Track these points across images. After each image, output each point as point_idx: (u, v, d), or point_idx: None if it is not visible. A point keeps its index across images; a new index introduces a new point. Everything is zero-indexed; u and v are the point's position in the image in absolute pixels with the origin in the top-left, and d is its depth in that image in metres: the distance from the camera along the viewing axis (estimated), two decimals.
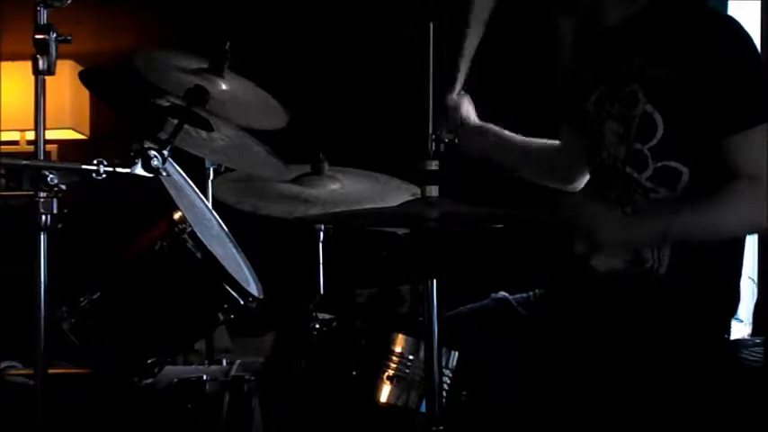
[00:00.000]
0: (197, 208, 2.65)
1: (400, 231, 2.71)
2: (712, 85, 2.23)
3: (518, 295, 2.48)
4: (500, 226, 2.19)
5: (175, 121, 2.19)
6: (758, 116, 2.24)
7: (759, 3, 3.97)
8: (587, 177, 2.57)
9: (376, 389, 2.05)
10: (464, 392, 2.08)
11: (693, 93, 2.24)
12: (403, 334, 2.07)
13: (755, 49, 2.31)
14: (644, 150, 2.30)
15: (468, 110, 2.53)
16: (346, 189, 2.80)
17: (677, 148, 2.27)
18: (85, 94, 4.38)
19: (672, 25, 2.30)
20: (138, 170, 2.06)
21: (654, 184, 2.29)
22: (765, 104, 2.25)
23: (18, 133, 4.53)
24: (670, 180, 2.28)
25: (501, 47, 2.61)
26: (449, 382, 2.06)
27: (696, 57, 2.24)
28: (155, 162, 2.07)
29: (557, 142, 2.62)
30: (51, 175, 2.01)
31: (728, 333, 2.39)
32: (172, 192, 2.35)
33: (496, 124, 2.59)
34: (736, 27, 2.31)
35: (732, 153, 2.23)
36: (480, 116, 2.56)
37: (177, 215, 2.29)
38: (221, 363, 2.74)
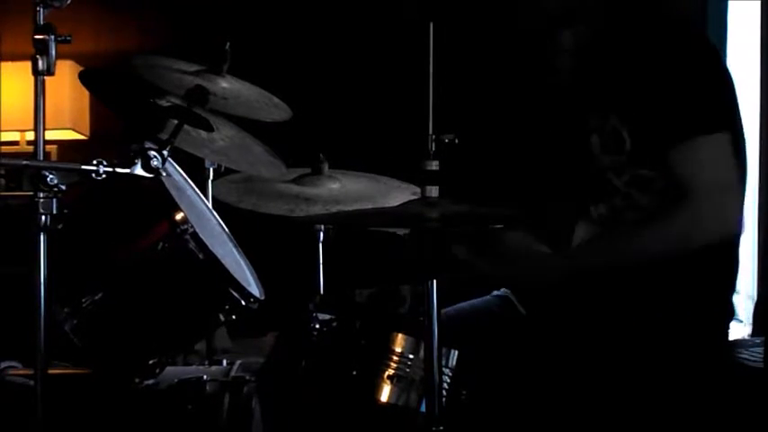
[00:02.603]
0: (197, 208, 2.65)
1: (400, 231, 2.71)
2: (661, 95, 2.25)
3: None
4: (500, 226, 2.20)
5: (175, 121, 2.19)
6: (699, 127, 2.24)
7: (759, 3, 3.98)
8: None
9: (376, 389, 2.05)
10: (464, 392, 2.08)
11: (648, 105, 2.26)
12: (403, 334, 2.07)
13: (710, 59, 2.33)
14: (620, 160, 2.33)
15: None
16: (347, 188, 2.80)
17: (644, 158, 2.30)
18: (85, 94, 4.37)
19: (630, 39, 2.33)
20: (138, 170, 2.06)
21: (630, 189, 2.32)
22: (714, 115, 2.26)
23: (18, 133, 4.53)
24: (643, 186, 2.31)
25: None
26: (449, 381, 2.06)
27: (649, 69, 2.28)
28: (155, 162, 2.07)
29: None
30: (51, 175, 2.01)
31: (727, 333, 2.40)
32: (172, 192, 2.35)
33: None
34: (688, 37, 2.33)
35: (672, 165, 2.25)
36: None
37: (179, 216, 2.29)
38: (221, 363, 2.74)
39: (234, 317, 2.39)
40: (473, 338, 2.22)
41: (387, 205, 2.70)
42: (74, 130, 4.54)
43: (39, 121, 2.06)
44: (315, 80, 4.36)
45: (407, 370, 2.04)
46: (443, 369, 2.03)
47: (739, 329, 2.69)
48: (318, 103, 4.08)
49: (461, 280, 2.25)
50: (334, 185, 2.79)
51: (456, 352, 2.09)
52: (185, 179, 2.67)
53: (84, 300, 2.29)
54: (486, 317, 2.43)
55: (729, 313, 2.38)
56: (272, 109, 2.58)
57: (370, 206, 2.70)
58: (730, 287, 2.39)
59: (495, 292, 2.50)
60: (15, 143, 4.48)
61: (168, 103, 2.37)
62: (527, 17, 2.44)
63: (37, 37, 2.03)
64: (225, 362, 2.74)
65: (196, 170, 2.86)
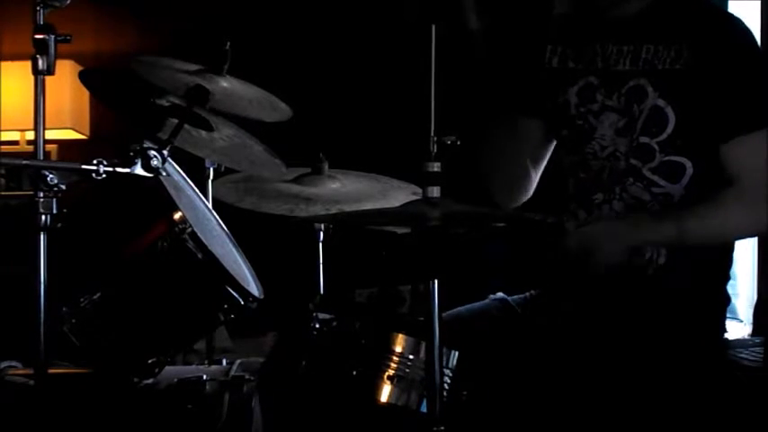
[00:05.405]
0: (197, 208, 2.65)
1: (400, 231, 2.71)
2: (722, 82, 2.25)
3: (516, 296, 2.48)
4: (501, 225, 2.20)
5: (175, 121, 2.19)
6: (758, 121, 2.25)
7: (759, 3, 3.98)
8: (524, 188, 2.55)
9: (376, 389, 2.05)
10: (464, 392, 2.08)
11: (706, 89, 2.25)
12: (403, 334, 2.07)
13: (760, 51, 2.34)
14: (651, 144, 2.30)
15: None
16: (347, 188, 2.80)
17: (685, 143, 2.29)
18: (85, 94, 4.38)
19: (681, 21, 2.32)
20: (138, 170, 2.06)
21: (658, 177, 2.30)
22: (765, 109, 2.27)
23: (18, 133, 4.54)
24: (674, 173, 2.30)
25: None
26: (449, 381, 2.05)
27: (709, 53, 2.26)
28: (154, 162, 2.07)
29: None
30: (51, 175, 2.01)
31: (724, 331, 2.40)
32: (172, 192, 2.35)
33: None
34: (744, 27, 2.35)
35: (728, 157, 2.25)
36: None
37: (177, 215, 2.29)
38: (221, 363, 2.74)
39: (233, 316, 2.39)
40: (472, 342, 2.22)
41: (387, 205, 2.70)
42: (74, 129, 4.55)
43: (39, 121, 2.06)
44: (315, 80, 4.36)
45: (407, 370, 2.04)
46: (444, 369, 2.02)
47: (739, 329, 2.69)
48: (319, 103, 4.09)
49: (461, 282, 2.24)
50: (334, 185, 2.80)
51: (456, 352, 2.08)
52: (185, 179, 2.67)
53: (82, 299, 2.29)
54: (485, 320, 2.43)
55: (725, 300, 2.38)
56: (272, 111, 2.58)
57: (370, 206, 2.70)
58: (725, 275, 2.39)
59: (492, 297, 2.49)
60: (15, 143, 4.49)
61: (168, 103, 2.37)
62: None
63: (37, 37, 2.04)
64: (225, 362, 2.74)
65: (196, 170, 2.86)
